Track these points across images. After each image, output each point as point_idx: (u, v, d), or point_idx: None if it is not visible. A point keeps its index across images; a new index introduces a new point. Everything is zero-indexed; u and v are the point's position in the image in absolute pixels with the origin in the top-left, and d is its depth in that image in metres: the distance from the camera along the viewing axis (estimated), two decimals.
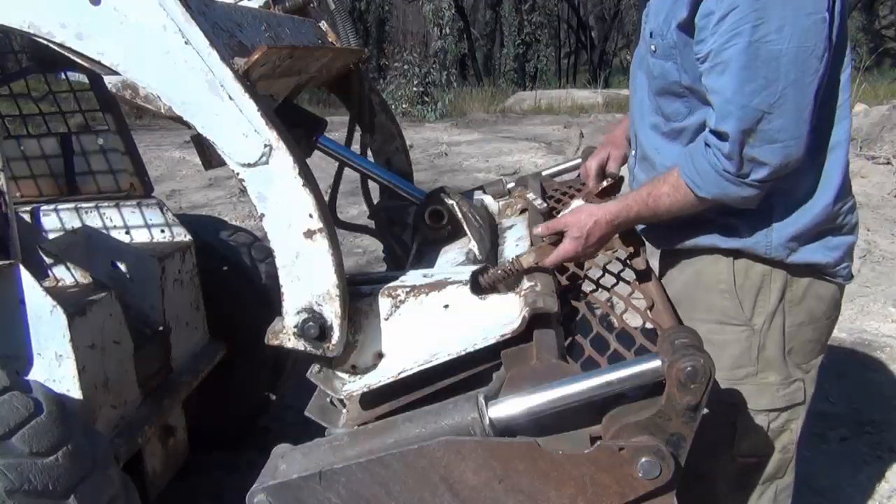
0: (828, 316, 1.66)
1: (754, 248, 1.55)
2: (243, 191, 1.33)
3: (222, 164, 1.37)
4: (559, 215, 1.64)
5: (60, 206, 2.65)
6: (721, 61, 1.36)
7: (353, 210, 4.82)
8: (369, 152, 2.40)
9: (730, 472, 1.67)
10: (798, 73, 1.32)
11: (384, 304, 1.42)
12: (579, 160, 2.15)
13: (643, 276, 1.73)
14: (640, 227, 1.80)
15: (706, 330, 1.59)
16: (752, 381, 1.63)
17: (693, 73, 1.47)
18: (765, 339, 1.61)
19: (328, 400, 1.53)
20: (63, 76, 2.80)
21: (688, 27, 1.44)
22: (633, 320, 1.57)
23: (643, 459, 1.12)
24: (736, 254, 1.59)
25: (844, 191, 1.55)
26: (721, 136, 1.39)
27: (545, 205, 2.00)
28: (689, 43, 1.45)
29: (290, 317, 1.35)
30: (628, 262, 1.78)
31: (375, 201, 2.37)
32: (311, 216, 1.30)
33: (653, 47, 1.55)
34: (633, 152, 1.80)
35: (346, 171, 2.35)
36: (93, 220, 2.64)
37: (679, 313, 1.64)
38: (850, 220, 1.59)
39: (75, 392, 1.91)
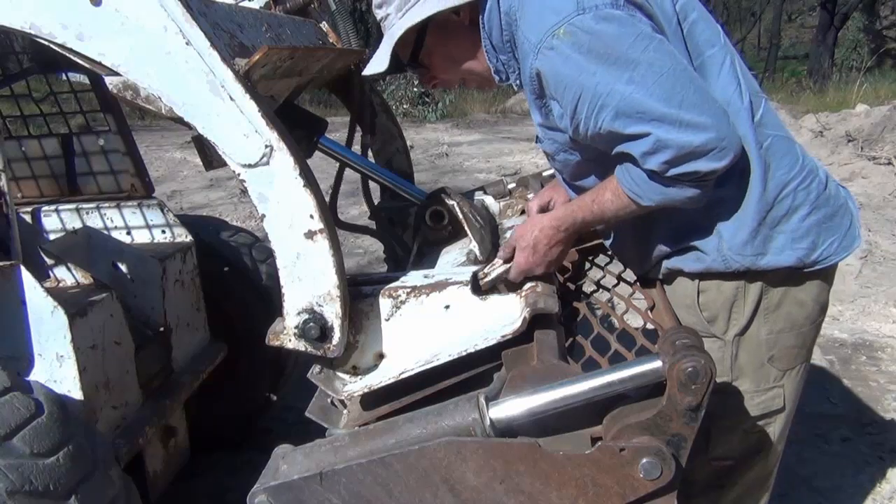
0: (812, 321, 1.61)
1: (713, 266, 1.53)
2: (244, 191, 1.33)
3: (223, 164, 1.37)
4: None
5: (61, 207, 2.66)
6: (606, 133, 1.34)
7: (354, 210, 4.82)
8: (370, 153, 2.40)
9: (704, 473, 1.67)
10: (685, 91, 1.28)
11: (385, 304, 1.42)
12: None
13: (644, 277, 1.73)
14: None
15: None
16: (726, 389, 1.61)
17: (588, 148, 1.48)
18: (738, 348, 1.59)
19: (329, 401, 1.53)
20: (64, 77, 2.80)
21: (553, 126, 1.47)
22: (634, 321, 1.57)
23: (644, 460, 1.13)
24: (701, 276, 1.57)
25: (780, 174, 1.49)
26: (655, 174, 1.34)
27: None
28: (564, 136, 1.48)
29: (291, 317, 1.35)
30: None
31: (376, 202, 2.37)
32: (311, 217, 1.30)
33: (545, 148, 1.60)
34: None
35: (347, 171, 2.35)
36: (94, 221, 2.64)
37: None
38: (803, 198, 1.50)
39: (76, 393, 1.91)
